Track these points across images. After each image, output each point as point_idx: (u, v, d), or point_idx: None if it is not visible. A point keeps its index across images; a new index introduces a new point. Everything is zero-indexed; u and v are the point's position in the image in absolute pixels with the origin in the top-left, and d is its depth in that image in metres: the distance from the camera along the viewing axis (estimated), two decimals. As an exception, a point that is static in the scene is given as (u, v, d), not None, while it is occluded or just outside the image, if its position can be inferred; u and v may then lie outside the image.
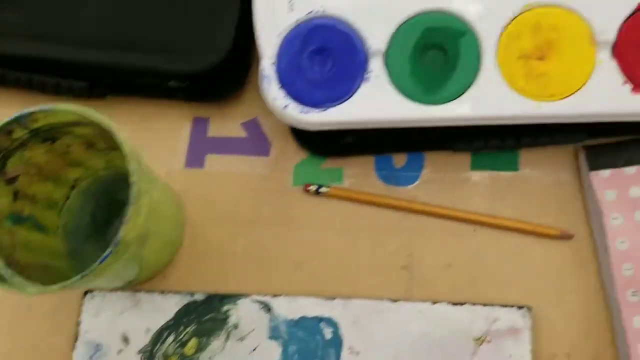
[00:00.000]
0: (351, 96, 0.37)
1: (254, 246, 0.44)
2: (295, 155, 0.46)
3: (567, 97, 0.36)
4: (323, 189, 0.44)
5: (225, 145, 0.46)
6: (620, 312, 0.40)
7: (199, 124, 0.47)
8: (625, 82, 0.36)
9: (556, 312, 0.42)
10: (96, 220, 0.45)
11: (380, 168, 0.45)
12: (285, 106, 0.37)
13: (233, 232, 0.45)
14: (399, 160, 0.45)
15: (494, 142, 0.42)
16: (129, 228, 0.33)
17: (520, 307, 0.41)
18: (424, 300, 0.42)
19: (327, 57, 0.38)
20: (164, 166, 0.46)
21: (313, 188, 0.44)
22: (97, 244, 0.43)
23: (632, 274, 0.40)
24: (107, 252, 0.33)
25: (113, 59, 0.41)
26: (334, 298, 0.42)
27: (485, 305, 0.41)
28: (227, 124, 0.47)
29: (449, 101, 0.37)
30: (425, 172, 0.45)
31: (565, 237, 0.43)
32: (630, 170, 0.42)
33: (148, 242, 0.38)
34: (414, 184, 0.45)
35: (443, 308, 0.42)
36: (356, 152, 0.45)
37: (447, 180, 0.45)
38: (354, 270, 0.44)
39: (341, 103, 0.37)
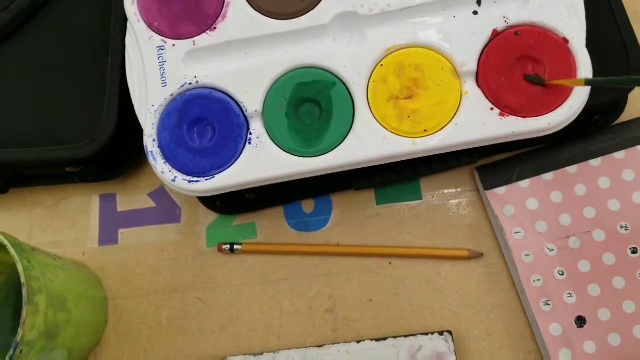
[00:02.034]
0: (236, 160, 0.38)
1: (178, 314, 0.45)
2: (206, 217, 0.46)
3: (439, 130, 0.37)
4: (236, 247, 0.45)
5: (136, 218, 0.47)
6: (536, 322, 0.41)
7: (107, 201, 0.47)
8: (492, 108, 0.37)
9: (479, 331, 0.43)
10: (20, 313, 0.45)
11: (290, 217, 0.46)
12: (173, 179, 0.38)
13: (155, 303, 0.45)
14: (307, 206, 0.46)
15: (392, 176, 0.43)
16: (27, 328, 0.34)
17: (441, 333, 0.42)
18: (348, 341, 0.42)
19: (206, 125, 0.39)
20: (78, 247, 0.47)
21: (226, 247, 0.45)
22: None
23: (541, 284, 0.41)
24: (7, 357, 0.33)
25: (6, 156, 0.42)
26: (261, 353, 0.43)
27: (407, 336, 0.42)
28: (134, 196, 0.47)
29: (329, 151, 0.38)
30: (334, 214, 0.46)
31: (475, 256, 0.44)
32: (524, 183, 0.43)
33: (60, 333, 0.38)
34: (325, 227, 0.46)
35: (368, 345, 0.42)
36: (263, 206, 0.46)
37: (356, 218, 0.46)
38: (278, 321, 0.44)
39: (227, 168, 0.38)
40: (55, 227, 0.47)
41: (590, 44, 0.37)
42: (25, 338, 0.33)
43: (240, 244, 0.45)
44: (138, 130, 0.39)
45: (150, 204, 0.47)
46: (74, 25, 0.44)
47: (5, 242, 0.34)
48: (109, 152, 0.41)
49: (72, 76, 0.43)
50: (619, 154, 0.42)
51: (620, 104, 0.43)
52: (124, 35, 0.40)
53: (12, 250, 0.34)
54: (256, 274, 0.45)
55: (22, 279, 0.33)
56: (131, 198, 0.47)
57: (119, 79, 0.41)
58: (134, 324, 0.45)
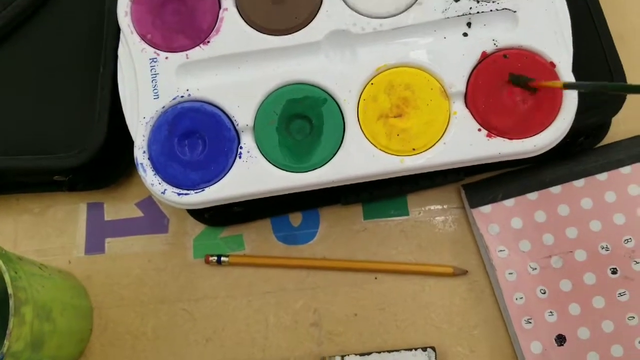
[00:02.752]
0: (226, 174, 0.38)
1: (163, 325, 0.45)
2: (194, 228, 0.47)
3: (428, 149, 0.38)
4: (224, 259, 0.45)
5: (124, 227, 0.47)
6: (517, 339, 0.41)
7: (95, 210, 0.47)
8: (480, 129, 0.38)
9: (462, 348, 0.43)
10: (4, 320, 0.44)
11: (278, 230, 0.46)
12: (163, 191, 0.38)
13: (141, 314, 0.45)
14: (295, 219, 0.46)
15: (379, 192, 0.43)
16: (13, 340, 0.33)
17: (424, 349, 0.42)
18: (333, 355, 0.43)
19: (197, 139, 0.39)
20: (65, 256, 0.46)
21: (214, 259, 0.45)
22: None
23: (523, 303, 0.42)
24: (-8, 368, 0.33)
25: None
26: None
27: (391, 351, 0.42)
28: (122, 205, 0.47)
29: (319, 167, 0.38)
30: (322, 228, 0.46)
31: (460, 273, 0.44)
32: (509, 202, 0.44)
33: (45, 343, 0.38)
34: (313, 241, 0.46)
35: (352, 360, 0.43)
36: (251, 218, 0.46)
37: (343, 233, 0.46)
38: (264, 334, 0.44)
39: (217, 182, 0.38)
40: (41, 235, 0.47)
41: (577, 69, 0.38)
42: (12, 349, 0.33)
43: (227, 256, 0.45)
44: (128, 141, 0.39)
45: (138, 213, 0.47)
46: (66, 34, 0.44)
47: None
48: (99, 162, 0.41)
49: (63, 85, 0.43)
50: (602, 176, 0.43)
51: (604, 128, 0.44)
52: (117, 46, 0.41)
53: (-1, 261, 0.33)
54: (243, 287, 0.45)
55: (10, 290, 0.33)
56: (119, 207, 0.47)
57: (110, 90, 0.41)
58: (119, 334, 0.45)
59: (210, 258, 0.45)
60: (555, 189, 0.43)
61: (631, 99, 0.42)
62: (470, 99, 0.38)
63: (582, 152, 0.44)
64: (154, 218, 0.47)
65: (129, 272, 0.46)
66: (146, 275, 0.46)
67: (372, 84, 0.38)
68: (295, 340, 0.44)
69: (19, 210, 0.47)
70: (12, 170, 0.42)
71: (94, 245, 0.46)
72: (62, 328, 0.40)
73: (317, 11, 0.39)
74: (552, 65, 0.38)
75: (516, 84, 0.37)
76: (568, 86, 0.36)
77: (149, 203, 0.47)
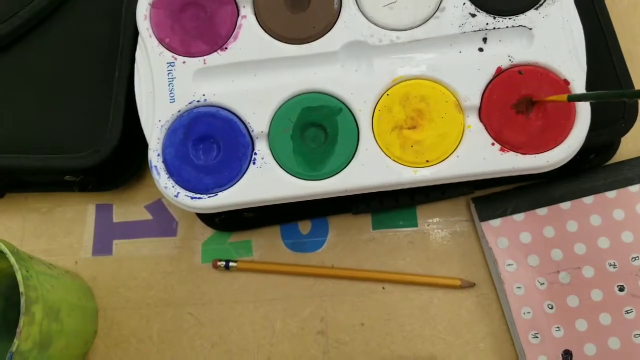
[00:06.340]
0: (239, 179, 0.38)
1: (169, 329, 0.45)
2: (203, 232, 0.47)
3: (441, 161, 0.38)
4: (232, 264, 0.45)
5: (132, 229, 0.47)
6: (524, 354, 0.41)
7: (103, 211, 0.47)
8: (493, 143, 0.38)
9: (468, 360, 0.43)
10: (7, 319, 0.44)
11: (287, 237, 0.46)
12: (176, 194, 0.38)
13: (147, 317, 0.45)
14: (304, 227, 0.47)
15: (390, 202, 0.44)
16: (23, 339, 0.33)
17: (430, 361, 0.42)
18: (339, 364, 0.43)
19: (212, 143, 0.39)
20: (72, 256, 0.46)
21: (222, 264, 0.45)
22: (10, 343, 0.42)
23: (531, 317, 0.42)
24: (1, 367, 0.33)
25: (8, 161, 0.41)
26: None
27: (397, 362, 0.42)
28: (131, 208, 0.47)
29: (332, 175, 0.38)
30: (331, 237, 0.46)
31: (467, 285, 0.44)
32: (519, 217, 0.44)
33: (53, 343, 0.38)
34: (321, 249, 0.46)
35: (358, 370, 0.42)
36: (260, 225, 0.46)
37: (352, 242, 0.46)
38: (270, 340, 0.44)
39: (230, 187, 0.38)
40: (49, 235, 0.47)
41: (589, 87, 0.38)
42: (20, 348, 0.33)
43: (235, 261, 0.45)
44: (140, 143, 0.39)
45: (147, 216, 0.47)
46: (83, 35, 0.45)
47: (5, 250, 0.34)
48: (111, 163, 0.41)
49: (78, 86, 0.43)
50: (611, 194, 0.43)
51: (613, 146, 0.44)
52: (133, 48, 0.41)
53: (12, 259, 0.33)
54: (250, 292, 0.45)
55: (21, 289, 0.33)
56: (128, 209, 0.47)
57: (125, 92, 0.42)
58: (124, 337, 0.45)
59: (218, 263, 0.45)
60: (565, 205, 0.44)
61: (641, 119, 0.42)
62: (484, 113, 0.38)
63: (592, 170, 0.44)
64: (162, 221, 0.47)
65: (135, 274, 0.46)
66: (153, 278, 0.46)
67: (387, 94, 0.39)
68: (301, 348, 0.44)
69: (28, 209, 0.47)
70: (24, 169, 0.42)
71: (102, 246, 0.46)
72: (69, 328, 0.40)
73: (335, 22, 0.40)
74: (567, 82, 0.38)
75: (521, 107, 0.37)
76: (572, 99, 0.36)
77: (159, 206, 0.47)
